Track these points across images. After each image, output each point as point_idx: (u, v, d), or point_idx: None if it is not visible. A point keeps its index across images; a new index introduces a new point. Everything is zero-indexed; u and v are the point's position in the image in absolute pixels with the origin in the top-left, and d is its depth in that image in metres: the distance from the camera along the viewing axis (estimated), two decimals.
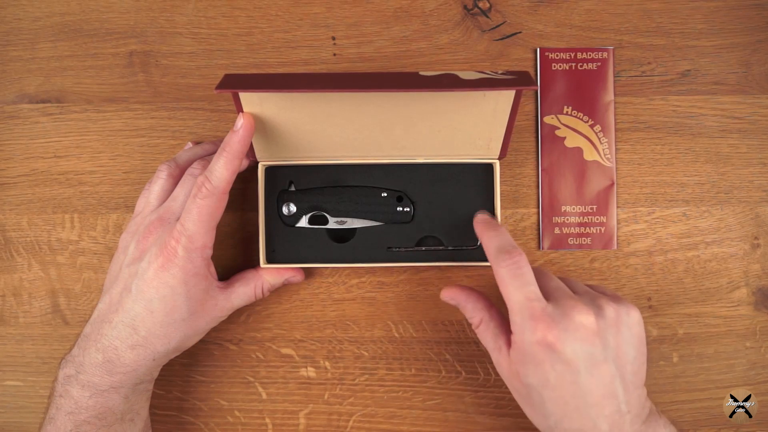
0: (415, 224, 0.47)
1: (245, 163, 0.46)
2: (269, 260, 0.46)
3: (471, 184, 0.47)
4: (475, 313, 0.42)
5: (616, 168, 0.49)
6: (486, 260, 0.46)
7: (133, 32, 0.50)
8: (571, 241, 0.49)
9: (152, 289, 0.40)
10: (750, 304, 0.49)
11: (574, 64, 0.49)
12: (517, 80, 0.39)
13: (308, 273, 0.49)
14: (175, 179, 0.45)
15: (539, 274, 0.40)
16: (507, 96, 0.41)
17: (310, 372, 0.49)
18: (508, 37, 0.50)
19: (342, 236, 0.47)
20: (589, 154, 0.49)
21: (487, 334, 0.41)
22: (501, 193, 0.48)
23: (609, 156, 0.49)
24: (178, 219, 0.42)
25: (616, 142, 0.49)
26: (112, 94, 0.50)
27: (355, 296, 0.49)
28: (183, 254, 0.40)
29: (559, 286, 0.40)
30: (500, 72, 0.41)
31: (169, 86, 0.50)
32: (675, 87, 0.49)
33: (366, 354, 0.49)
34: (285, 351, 0.49)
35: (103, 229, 0.50)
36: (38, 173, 0.50)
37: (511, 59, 0.49)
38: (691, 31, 0.49)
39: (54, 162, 0.50)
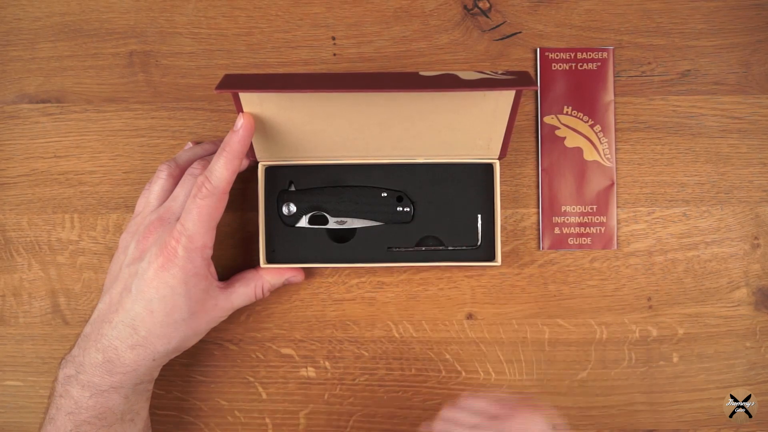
0: (415, 224, 0.47)
1: (245, 163, 0.46)
2: (269, 260, 0.46)
3: (471, 184, 0.47)
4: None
5: (616, 168, 0.49)
6: (486, 260, 0.46)
7: (133, 32, 0.50)
8: (571, 241, 0.49)
9: (152, 289, 0.40)
10: (750, 304, 0.49)
11: (574, 64, 0.49)
12: (517, 80, 0.39)
13: (308, 273, 0.49)
14: (175, 179, 0.45)
15: None
16: (507, 96, 0.41)
17: (310, 372, 0.49)
18: (508, 37, 0.50)
19: (342, 236, 0.47)
20: (589, 154, 0.49)
21: None
22: (501, 193, 0.48)
23: (609, 156, 0.49)
24: (178, 219, 0.42)
25: (616, 142, 0.49)
26: (112, 94, 0.50)
27: (355, 296, 0.49)
28: (183, 254, 0.40)
29: None
30: (500, 72, 0.41)
31: (169, 86, 0.50)
32: (675, 87, 0.49)
33: (366, 354, 0.49)
34: (285, 351, 0.49)
35: (103, 229, 0.50)
36: (38, 173, 0.50)
37: (511, 59, 0.49)
38: (691, 31, 0.49)
39: (54, 162, 0.50)
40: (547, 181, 0.49)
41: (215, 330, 0.48)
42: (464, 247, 0.47)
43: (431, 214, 0.47)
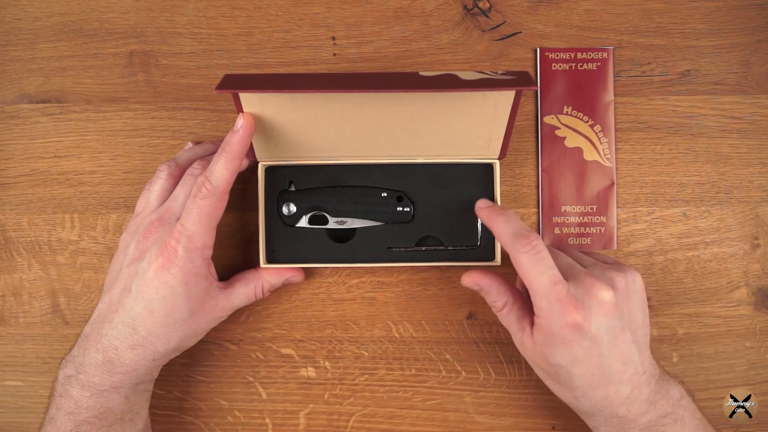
0: (415, 224, 0.47)
1: (245, 163, 0.46)
2: (269, 260, 0.46)
3: (471, 184, 0.47)
4: (499, 296, 0.42)
5: (616, 168, 0.49)
6: (485, 260, 0.46)
7: (133, 32, 0.50)
8: (571, 241, 0.49)
9: (152, 289, 0.40)
10: (750, 304, 0.49)
11: (574, 64, 0.49)
12: (517, 80, 0.39)
13: (308, 273, 0.49)
14: (176, 179, 0.45)
15: (550, 253, 0.41)
16: (507, 96, 0.41)
17: (310, 372, 0.49)
18: (508, 37, 0.50)
19: (342, 236, 0.47)
20: (589, 154, 0.49)
21: (510, 317, 0.42)
22: (501, 193, 0.48)
23: (609, 156, 0.49)
24: (178, 219, 0.42)
25: (616, 142, 0.49)
26: (112, 94, 0.50)
27: (355, 296, 0.49)
28: (183, 254, 0.40)
29: (571, 263, 0.42)
30: (500, 72, 0.41)
31: (169, 86, 0.50)
32: (675, 87, 0.49)
33: (366, 354, 0.49)
34: (285, 351, 0.49)
35: (103, 229, 0.50)
36: (38, 173, 0.50)
37: (511, 59, 0.49)
38: (691, 31, 0.49)
39: (54, 162, 0.50)
40: (547, 181, 0.49)
41: (215, 330, 0.48)
42: (464, 247, 0.47)
43: (431, 214, 0.47)
